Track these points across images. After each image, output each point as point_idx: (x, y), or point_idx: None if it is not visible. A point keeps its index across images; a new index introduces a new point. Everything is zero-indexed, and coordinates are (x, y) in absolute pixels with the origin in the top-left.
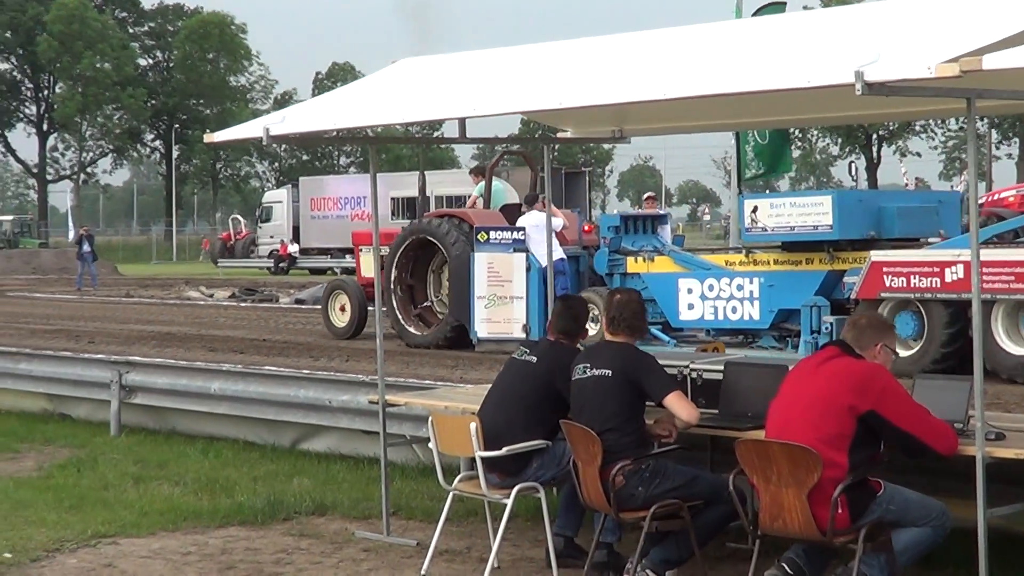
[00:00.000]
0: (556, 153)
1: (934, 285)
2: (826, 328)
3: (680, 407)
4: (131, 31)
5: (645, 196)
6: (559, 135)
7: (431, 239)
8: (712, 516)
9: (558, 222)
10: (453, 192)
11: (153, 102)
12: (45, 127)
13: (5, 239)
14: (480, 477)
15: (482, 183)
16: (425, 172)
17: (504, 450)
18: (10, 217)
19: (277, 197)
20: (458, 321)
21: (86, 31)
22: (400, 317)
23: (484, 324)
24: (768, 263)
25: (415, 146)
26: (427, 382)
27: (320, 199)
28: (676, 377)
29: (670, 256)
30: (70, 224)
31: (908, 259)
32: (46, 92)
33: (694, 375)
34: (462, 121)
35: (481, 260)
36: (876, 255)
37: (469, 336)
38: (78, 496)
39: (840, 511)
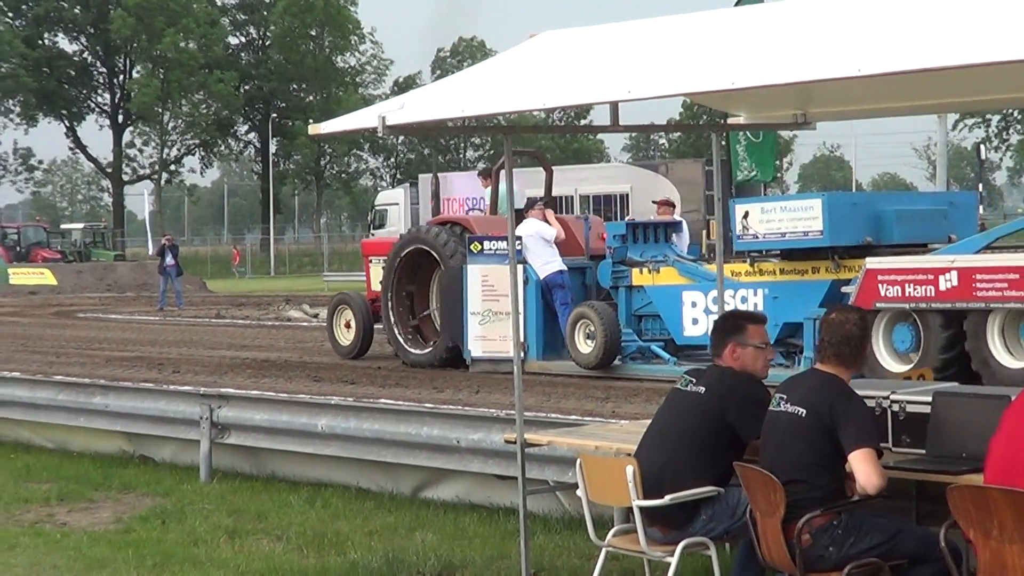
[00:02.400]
0: (725, 143)
1: (928, 294)
2: None
3: (862, 468)
4: (220, 4)
5: (661, 201)
6: (730, 121)
7: (428, 249)
8: None
9: (550, 231)
10: (602, 191)
11: (246, 88)
12: (120, 119)
13: (75, 250)
14: (639, 531)
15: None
16: (558, 167)
17: (667, 498)
18: (80, 225)
19: (392, 198)
20: (451, 340)
21: (168, 5)
22: (398, 334)
23: (478, 342)
24: (774, 273)
25: (555, 136)
26: (573, 417)
27: (443, 200)
28: (875, 423)
29: (674, 267)
30: (149, 232)
31: (902, 266)
32: (121, 78)
33: (895, 408)
34: (614, 106)
35: (474, 272)
36: (871, 262)
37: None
38: (163, 553)
39: None
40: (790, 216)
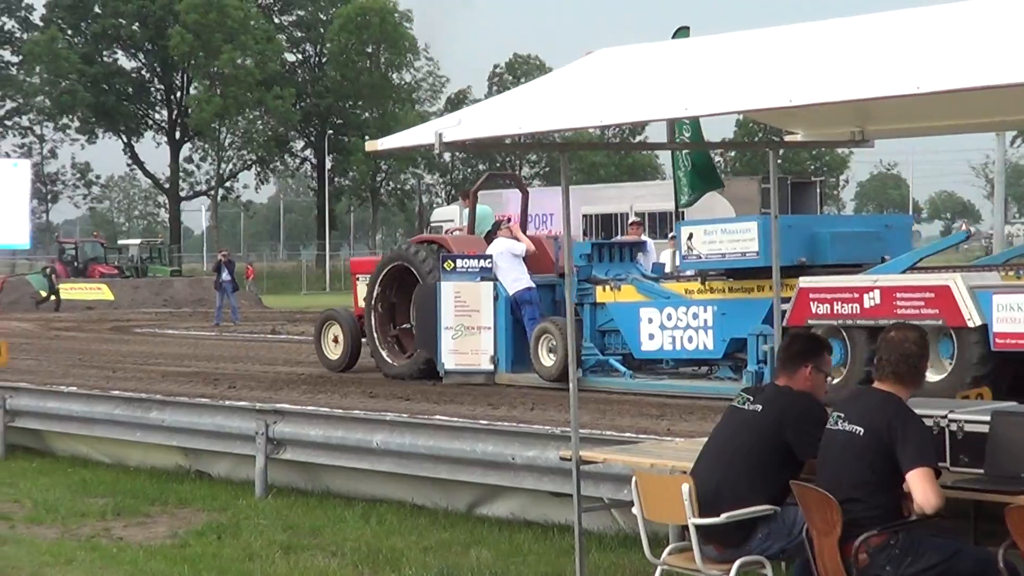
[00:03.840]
0: (781, 160)
1: (854, 312)
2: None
3: (920, 487)
4: (277, 21)
5: (630, 222)
6: (787, 139)
7: (408, 266)
8: None
9: (520, 247)
10: (658, 208)
11: (302, 104)
12: (177, 135)
13: (132, 266)
14: (694, 549)
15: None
16: (614, 184)
17: (723, 516)
18: (137, 241)
19: (447, 215)
20: (426, 353)
21: (225, 22)
22: (379, 347)
23: (451, 356)
24: (724, 291)
25: (610, 152)
26: (628, 435)
27: (497, 216)
28: (933, 442)
29: (633, 284)
30: (206, 248)
31: (831, 285)
32: (179, 94)
33: (953, 427)
34: (671, 123)
35: (448, 289)
36: (804, 281)
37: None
38: (218, 568)
39: None
40: (730, 238)
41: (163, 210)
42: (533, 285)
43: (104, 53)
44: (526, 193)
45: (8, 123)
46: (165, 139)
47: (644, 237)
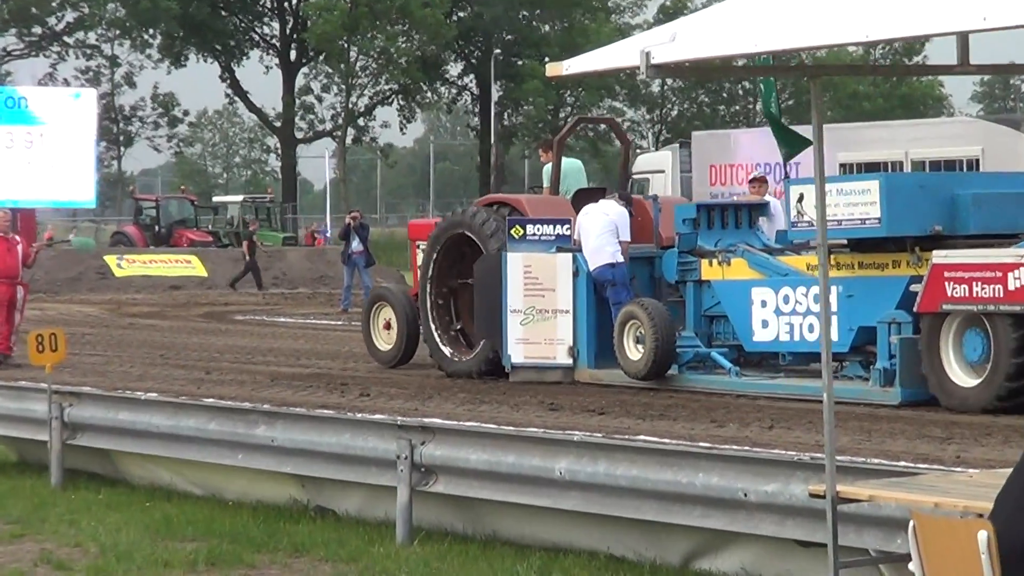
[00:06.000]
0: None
1: (997, 295)
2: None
3: None
4: None
5: (751, 178)
6: None
7: (469, 234)
8: None
9: (626, 224)
10: (943, 154)
11: (461, 16)
12: (292, 56)
13: (231, 231)
14: None
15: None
16: (888, 123)
17: None
18: (239, 197)
19: (657, 164)
20: (491, 343)
21: None
22: (436, 337)
23: (519, 346)
24: (852, 266)
25: (877, 80)
26: (902, 464)
27: (724, 167)
28: None
29: (744, 258)
30: (329, 208)
31: (970, 261)
32: (294, 2)
33: None
34: (962, 38)
35: (515, 262)
36: (938, 256)
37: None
38: None
39: None
40: (846, 201)
41: (273, 156)
42: (620, 260)
43: None
44: (628, 143)
45: (69, 40)
46: (276, 62)
47: (768, 197)
